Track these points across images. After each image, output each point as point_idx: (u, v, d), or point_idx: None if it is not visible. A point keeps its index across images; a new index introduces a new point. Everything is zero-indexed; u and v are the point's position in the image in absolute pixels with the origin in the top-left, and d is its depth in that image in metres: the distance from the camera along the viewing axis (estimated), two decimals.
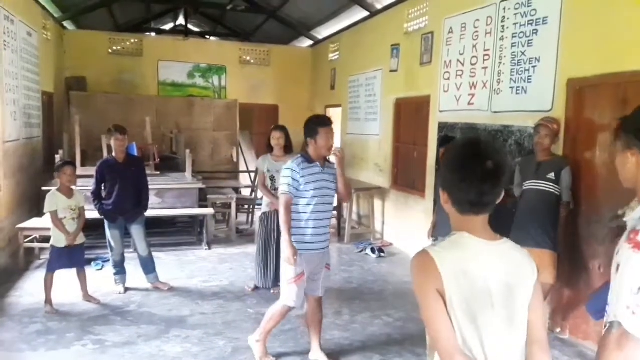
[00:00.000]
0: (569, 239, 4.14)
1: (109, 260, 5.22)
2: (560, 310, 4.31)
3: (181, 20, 12.60)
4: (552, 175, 4.02)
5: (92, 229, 5.42)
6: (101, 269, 5.64)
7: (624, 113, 3.84)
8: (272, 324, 3.61)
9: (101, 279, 5.23)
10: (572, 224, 4.16)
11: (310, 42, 11.23)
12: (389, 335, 4.20)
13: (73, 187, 4.64)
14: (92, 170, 5.34)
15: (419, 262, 1.44)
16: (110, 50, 10.18)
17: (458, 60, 5.77)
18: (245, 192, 8.86)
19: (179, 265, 5.91)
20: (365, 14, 8.35)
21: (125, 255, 5.10)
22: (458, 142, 1.51)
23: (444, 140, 4.79)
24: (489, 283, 1.42)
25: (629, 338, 1.42)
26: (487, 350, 1.43)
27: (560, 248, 4.05)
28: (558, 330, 4.27)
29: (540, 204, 4.04)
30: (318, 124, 3.43)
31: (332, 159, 3.53)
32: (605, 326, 1.53)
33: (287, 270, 3.46)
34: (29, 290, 4.97)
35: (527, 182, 4.15)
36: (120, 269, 5.05)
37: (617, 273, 1.48)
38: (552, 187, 4.02)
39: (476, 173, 1.39)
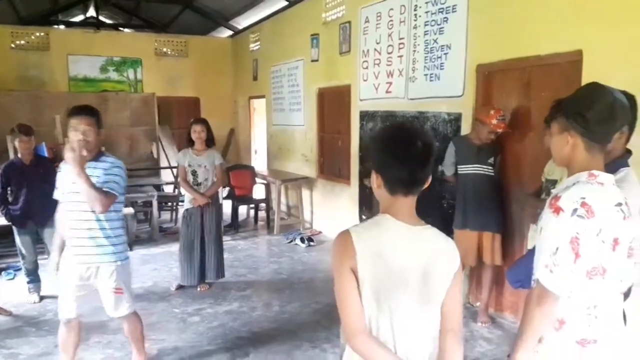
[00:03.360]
0: None
1: (21, 269, 4.89)
2: (481, 284, 4.49)
3: (92, 12, 11.95)
4: (492, 160, 4.13)
5: (1, 236, 5.06)
6: (13, 279, 5.27)
7: (529, 96, 4.11)
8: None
9: (14, 289, 4.89)
10: None
11: (230, 33, 11.02)
12: (317, 322, 4.24)
13: None
14: None
15: (338, 240, 1.48)
16: (13, 45, 9.45)
17: (375, 49, 5.87)
18: (168, 189, 8.59)
19: None
20: (284, 3, 8.30)
21: (39, 261, 4.80)
22: (383, 128, 1.62)
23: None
24: (405, 267, 1.45)
25: (547, 295, 1.55)
26: (396, 333, 1.46)
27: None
28: (477, 303, 4.49)
29: (486, 189, 4.13)
30: (70, 113, 2.94)
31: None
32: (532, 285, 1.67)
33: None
34: None
35: (468, 165, 4.18)
36: (33, 277, 4.74)
37: (539, 235, 1.60)
38: (491, 171, 4.13)
39: (408, 152, 1.44)
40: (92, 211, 2.91)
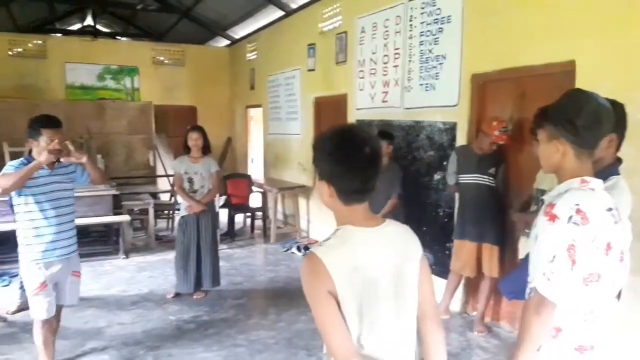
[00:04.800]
0: None
1: (16, 275, 4.87)
2: (477, 293, 4.47)
3: (89, 21, 11.99)
4: (492, 170, 4.10)
5: None
6: (8, 285, 5.26)
7: (523, 105, 4.15)
8: (42, 343, 3.26)
9: (8, 296, 4.86)
10: None
11: (227, 42, 11.09)
12: (314, 330, 4.20)
13: None
14: None
15: (307, 266, 1.39)
16: (10, 53, 9.48)
17: (371, 59, 5.92)
18: (164, 197, 8.59)
19: (94, 277, 5.61)
20: (281, 13, 8.36)
21: None
22: (328, 134, 1.47)
23: (382, 135, 4.79)
24: (380, 271, 1.41)
25: (545, 303, 1.55)
26: (382, 343, 1.43)
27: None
28: (474, 313, 4.50)
29: (485, 199, 4.11)
30: (42, 124, 3.14)
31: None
32: (527, 298, 1.66)
33: (29, 283, 3.21)
34: None
35: (468, 175, 4.17)
36: None
37: (535, 243, 1.61)
38: (492, 182, 4.10)
39: (358, 160, 1.39)
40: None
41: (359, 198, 1.45)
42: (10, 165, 3.14)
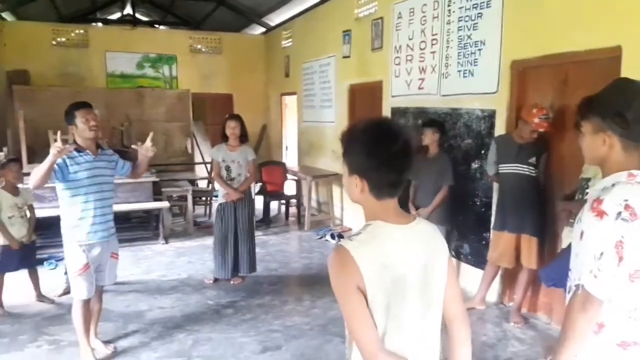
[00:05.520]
0: None
1: (62, 259, 5.06)
2: (515, 284, 4.36)
3: (129, 10, 12.22)
4: (533, 160, 3.99)
5: (43, 227, 5.26)
6: (54, 268, 5.48)
7: (566, 93, 4.02)
8: (82, 322, 3.44)
9: (56, 278, 5.07)
10: None
11: (263, 29, 11.12)
12: None
13: (19, 185, 4.49)
14: None
15: (336, 259, 1.37)
16: (54, 42, 9.77)
17: (407, 45, 5.84)
18: (202, 184, 8.76)
19: (134, 261, 5.81)
20: (317, 0, 8.33)
21: None
22: (360, 126, 1.44)
23: (430, 123, 4.74)
24: (409, 270, 1.40)
25: (592, 300, 1.53)
26: (406, 339, 1.42)
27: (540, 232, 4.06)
28: (510, 303, 4.44)
29: (524, 189, 4.02)
30: (74, 107, 3.32)
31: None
32: (568, 291, 1.64)
33: (72, 264, 3.36)
34: None
35: (508, 164, 4.09)
36: None
37: (580, 239, 1.57)
38: (533, 171, 4.01)
39: (393, 153, 1.37)
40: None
41: (391, 192, 1.43)
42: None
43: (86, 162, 3.30)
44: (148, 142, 3.52)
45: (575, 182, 3.57)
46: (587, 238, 1.54)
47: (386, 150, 1.37)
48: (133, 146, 3.60)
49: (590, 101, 1.70)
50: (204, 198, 8.46)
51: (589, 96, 1.72)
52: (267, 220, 7.74)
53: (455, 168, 4.74)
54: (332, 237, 6.84)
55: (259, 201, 7.72)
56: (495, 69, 4.51)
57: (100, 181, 3.37)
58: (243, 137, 5.08)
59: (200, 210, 8.38)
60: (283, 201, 8.34)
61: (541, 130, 3.89)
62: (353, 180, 1.43)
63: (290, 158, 10.19)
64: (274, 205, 8.24)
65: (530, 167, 4.01)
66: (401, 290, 1.39)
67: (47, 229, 5.48)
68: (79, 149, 3.31)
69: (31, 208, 4.50)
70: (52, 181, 3.20)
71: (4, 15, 9.26)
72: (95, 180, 3.34)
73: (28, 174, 5.51)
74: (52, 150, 3.00)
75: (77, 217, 3.31)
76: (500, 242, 4.18)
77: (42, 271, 4.97)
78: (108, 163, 3.48)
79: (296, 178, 8.19)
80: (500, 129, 4.48)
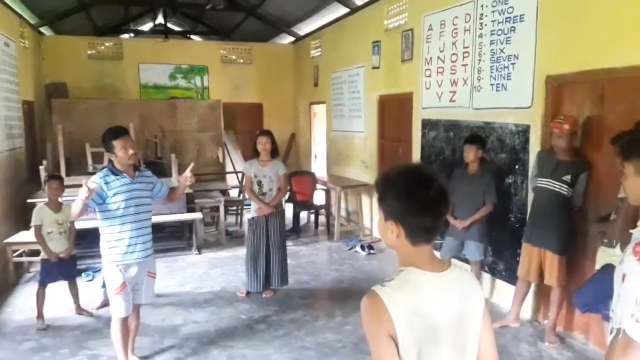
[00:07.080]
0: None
1: (99, 270, 5.20)
2: (549, 301, 4.29)
3: (160, 20, 12.48)
4: (567, 178, 3.93)
5: (81, 237, 5.40)
6: (92, 280, 5.63)
7: (602, 109, 3.94)
8: (120, 339, 3.52)
9: (92, 290, 5.21)
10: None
11: (292, 39, 11.21)
12: None
13: (61, 201, 4.64)
14: (77, 180, 5.29)
15: (369, 306, 1.38)
16: (89, 55, 10.07)
17: (438, 57, 5.81)
18: (233, 193, 8.87)
19: (169, 272, 5.92)
20: (346, 10, 8.35)
21: None
22: (395, 173, 1.46)
23: (472, 140, 4.66)
24: (442, 318, 1.40)
25: (633, 345, 1.52)
26: None
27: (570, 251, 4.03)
28: (545, 321, 4.37)
29: (553, 205, 3.98)
30: (111, 137, 3.40)
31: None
32: (611, 331, 1.63)
33: (110, 283, 3.45)
34: (20, 306, 4.95)
35: (543, 179, 4.06)
36: None
37: (622, 283, 1.56)
38: (565, 189, 3.94)
39: (429, 197, 1.38)
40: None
41: (427, 237, 1.44)
42: (92, 181, 3.29)
43: (123, 184, 3.39)
44: (187, 172, 3.62)
45: (610, 201, 3.49)
46: (628, 282, 1.53)
47: (422, 194, 1.39)
48: (173, 179, 3.71)
49: (632, 141, 1.68)
50: (235, 207, 8.57)
51: (627, 132, 1.70)
52: (297, 230, 7.79)
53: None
54: (362, 248, 6.83)
55: (288, 210, 7.78)
56: (530, 84, 4.45)
57: (137, 203, 3.45)
58: (274, 152, 5.14)
59: (231, 219, 8.49)
60: (312, 211, 8.38)
61: (556, 130, 3.89)
62: (389, 226, 1.44)
63: (318, 167, 10.23)
64: (303, 214, 8.28)
65: (563, 185, 3.95)
66: (433, 338, 1.39)
67: (84, 239, 5.63)
68: (116, 172, 3.40)
69: (72, 225, 4.63)
70: (92, 207, 3.30)
71: (42, 30, 9.56)
72: (132, 202, 3.42)
73: (68, 187, 5.72)
74: (81, 196, 3.11)
75: (115, 238, 3.40)
76: (526, 254, 4.17)
77: (80, 283, 5.09)
78: (146, 185, 3.56)
79: (325, 188, 8.22)
80: (535, 144, 4.42)
